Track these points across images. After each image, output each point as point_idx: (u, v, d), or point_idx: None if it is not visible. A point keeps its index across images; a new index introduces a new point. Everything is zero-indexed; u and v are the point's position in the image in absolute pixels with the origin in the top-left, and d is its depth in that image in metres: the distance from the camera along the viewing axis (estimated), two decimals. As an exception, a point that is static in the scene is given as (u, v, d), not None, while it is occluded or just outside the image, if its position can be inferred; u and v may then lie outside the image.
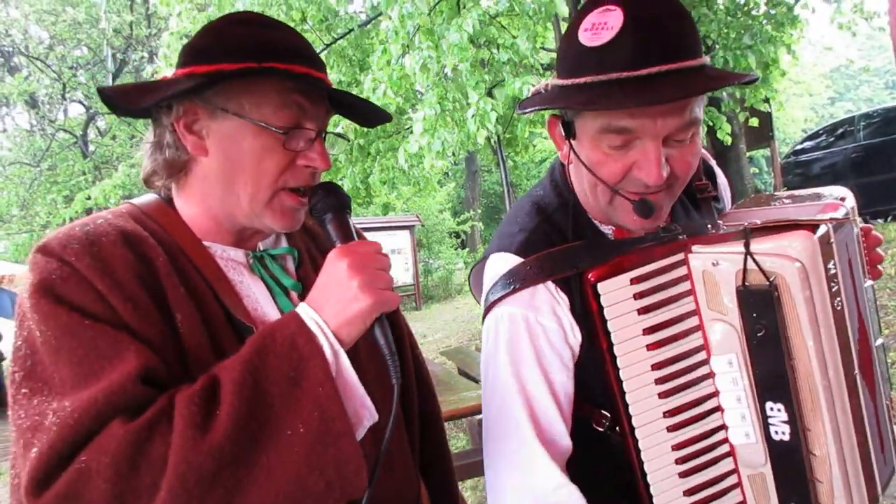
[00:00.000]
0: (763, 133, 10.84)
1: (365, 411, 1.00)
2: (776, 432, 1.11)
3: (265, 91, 1.06)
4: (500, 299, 1.21)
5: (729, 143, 8.56)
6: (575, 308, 1.19)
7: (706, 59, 1.08)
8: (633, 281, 1.13)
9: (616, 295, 1.13)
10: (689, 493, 1.17)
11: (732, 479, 1.18)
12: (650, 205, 1.12)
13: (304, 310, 0.98)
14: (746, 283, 1.06)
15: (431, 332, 13.02)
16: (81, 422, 0.84)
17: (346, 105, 1.19)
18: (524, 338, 1.19)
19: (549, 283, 1.19)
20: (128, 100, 1.09)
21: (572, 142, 1.17)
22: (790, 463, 1.11)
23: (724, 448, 1.18)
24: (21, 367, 0.91)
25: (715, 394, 1.16)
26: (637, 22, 1.04)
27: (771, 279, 1.03)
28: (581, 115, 1.14)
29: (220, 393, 0.88)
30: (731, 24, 8.34)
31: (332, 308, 0.97)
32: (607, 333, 1.13)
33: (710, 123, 8.31)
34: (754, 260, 1.04)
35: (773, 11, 8.43)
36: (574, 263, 1.18)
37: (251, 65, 1.03)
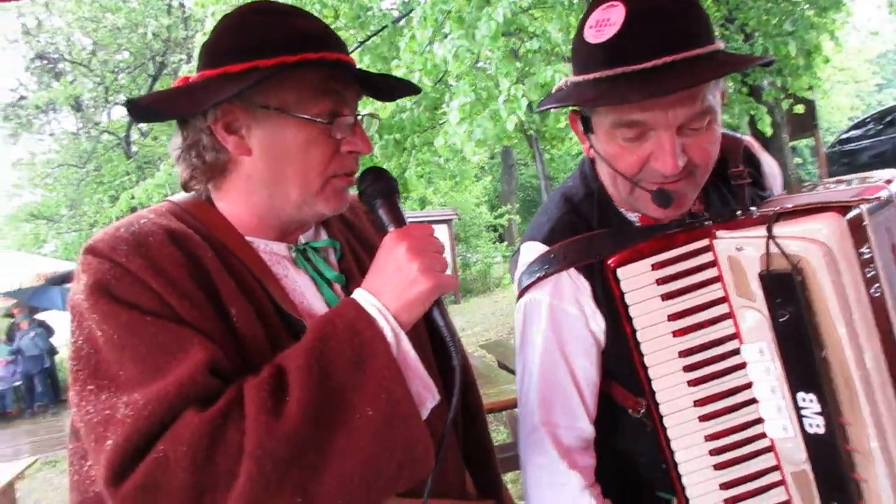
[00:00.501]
0: (806, 122, 10.53)
1: (428, 393, 1.01)
2: (810, 425, 1.07)
3: (302, 82, 1.05)
4: (528, 287, 1.25)
5: (770, 134, 8.33)
6: (597, 295, 1.21)
7: (718, 46, 1.08)
8: (655, 266, 1.12)
9: (637, 280, 1.12)
10: (726, 486, 1.15)
11: (775, 476, 1.15)
12: (668, 194, 1.12)
13: (361, 295, 0.99)
14: (769, 268, 1.03)
15: (470, 325, 13.03)
16: (155, 413, 0.86)
17: (370, 84, 1.18)
18: (548, 324, 1.23)
19: (572, 271, 1.21)
20: (172, 110, 1.08)
21: (591, 136, 1.19)
22: (828, 459, 1.07)
23: (764, 442, 1.14)
24: (85, 366, 0.92)
25: (749, 384, 1.13)
26: (638, 15, 1.05)
27: (795, 263, 1.00)
28: (595, 111, 1.16)
29: (288, 380, 0.89)
30: (771, 11, 8.11)
31: (392, 292, 0.98)
32: (630, 319, 1.13)
33: (751, 113, 8.11)
34: (776, 243, 1.01)
35: (815, -3, 8.16)
36: (597, 251, 1.19)
37: (287, 58, 1.01)
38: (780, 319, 1.04)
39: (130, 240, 0.98)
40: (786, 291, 1.02)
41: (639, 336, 1.13)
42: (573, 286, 1.22)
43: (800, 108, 8.66)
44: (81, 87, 19.10)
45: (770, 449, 1.15)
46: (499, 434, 6.16)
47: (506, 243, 22.43)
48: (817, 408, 1.05)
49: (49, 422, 11.13)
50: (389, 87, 1.22)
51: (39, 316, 12.76)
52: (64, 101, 19.23)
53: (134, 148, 19.89)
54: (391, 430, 0.90)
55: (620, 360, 1.21)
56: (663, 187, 1.12)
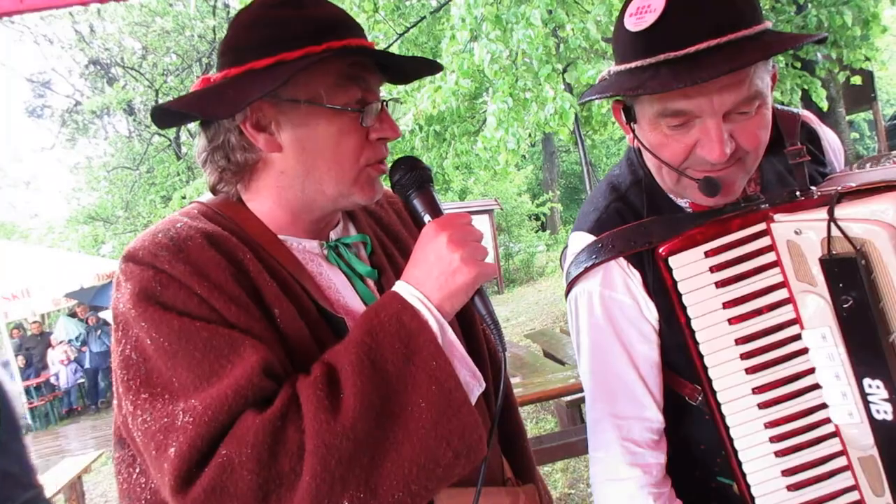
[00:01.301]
0: (864, 95, 10.09)
1: (475, 380, 1.02)
2: (878, 411, 1.03)
3: (329, 72, 1.03)
4: (577, 278, 1.24)
5: (826, 108, 8.02)
6: (648, 283, 1.19)
7: (766, 25, 1.03)
8: (708, 254, 1.10)
9: (690, 269, 1.10)
10: (789, 473, 1.12)
11: (840, 462, 1.12)
12: (715, 182, 1.08)
13: (403, 287, 0.99)
14: (832, 252, 0.99)
15: (515, 315, 13.01)
16: (216, 417, 0.86)
17: (391, 67, 1.16)
18: (601, 314, 1.21)
19: (621, 260, 1.20)
20: (208, 112, 1.05)
21: (634, 126, 1.16)
22: None
23: (828, 428, 1.11)
24: (136, 374, 0.92)
25: (811, 370, 1.10)
26: (679, 1, 1.01)
27: (858, 247, 0.96)
28: (639, 100, 1.13)
29: (341, 377, 0.90)
30: (823, -20, 7.79)
31: (434, 282, 0.98)
32: (684, 308, 1.11)
33: (804, 88, 7.82)
34: (838, 226, 0.97)
35: (872, -40, 7.80)
36: (647, 239, 1.17)
37: (312, 48, 1.00)
38: (844, 305, 1.00)
39: (171, 245, 0.97)
40: (849, 277, 0.98)
41: (693, 325, 1.11)
42: (623, 275, 1.20)
43: (857, 80, 8.30)
44: (133, 91, 19.70)
45: (835, 434, 1.12)
46: (546, 423, 6.15)
47: (548, 232, 22.26)
48: (885, 394, 1.01)
49: (113, 417, 11.60)
50: (408, 70, 1.20)
51: (100, 315, 13.27)
52: (117, 105, 19.87)
53: (183, 149, 20.44)
54: (445, 419, 0.90)
55: (676, 349, 1.19)
56: (710, 175, 1.08)
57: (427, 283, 0.98)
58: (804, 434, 1.12)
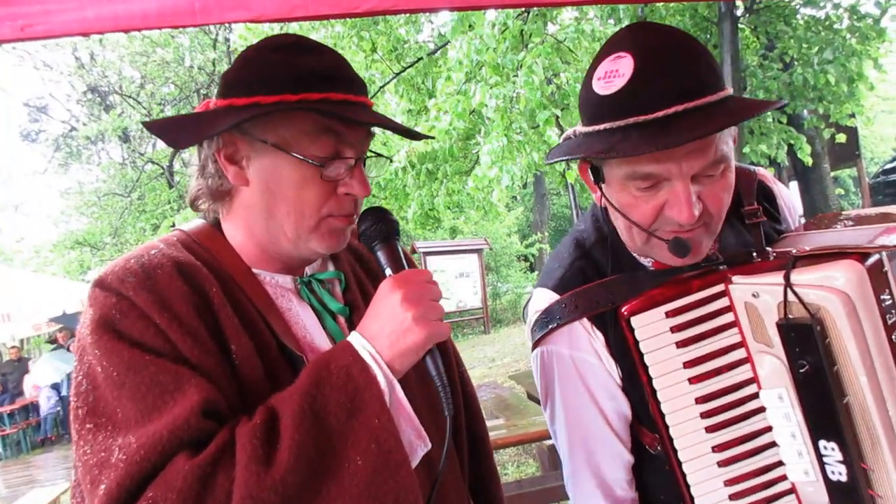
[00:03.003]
0: (849, 151, 10.32)
1: (419, 441, 1.01)
2: (832, 472, 1.05)
3: (302, 122, 1.05)
4: (542, 338, 1.25)
5: (811, 163, 8.18)
6: (611, 344, 1.20)
7: (728, 91, 1.06)
8: (669, 314, 1.12)
9: (651, 328, 1.11)
10: None
11: None
12: (684, 243, 1.09)
13: (356, 339, 0.99)
14: (788, 317, 1.01)
15: (500, 355, 12.92)
16: (147, 458, 0.85)
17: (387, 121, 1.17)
18: (572, 373, 1.23)
19: (584, 321, 1.21)
20: (173, 138, 1.10)
21: (602, 186, 1.17)
22: None
23: (786, 485, 1.13)
24: (84, 403, 0.92)
25: (769, 428, 1.12)
26: (647, 66, 1.03)
27: (813, 313, 0.99)
28: (607, 162, 1.14)
29: (280, 426, 0.89)
30: (811, 40, 8.05)
31: (385, 339, 0.98)
32: (646, 367, 1.13)
33: (790, 143, 7.99)
34: (794, 292, 0.99)
35: (857, 24, 8.08)
36: (610, 298, 1.18)
37: (287, 97, 1.02)
38: (801, 370, 1.02)
39: (139, 272, 0.98)
40: (805, 342, 1.00)
41: (655, 384, 1.13)
42: (587, 336, 1.21)
43: (841, 137, 8.49)
44: (129, 119, 19.80)
45: (792, 491, 1.13)
46: (528, 467, 6.07)
47: (536, 272, 22.28)
48: (839, 456, 1.03)
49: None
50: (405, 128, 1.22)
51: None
52: (112, 133, 19.93)
53: (176, 178, 20.48)
54: (381, 479, 0.90)
55: (637, 404, 1.21)
56: (679, 237, 1.10)
57: (379, 340, 0.98)
58: (763, 491, 1.13)
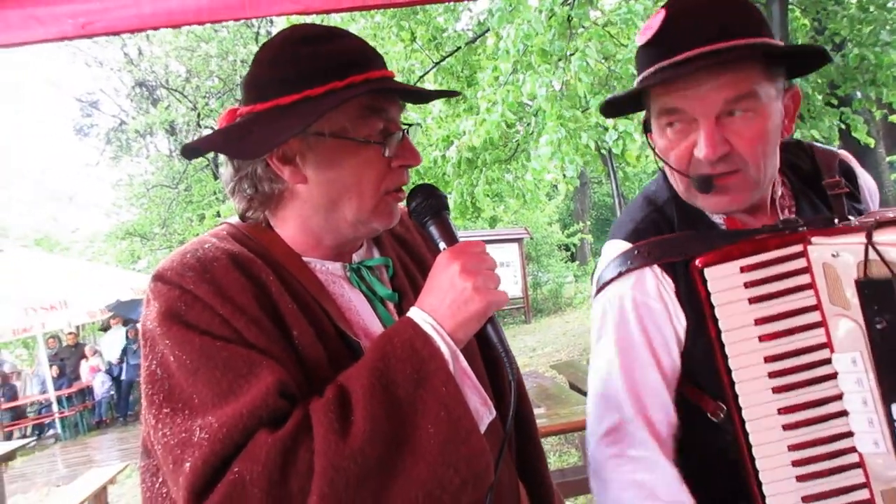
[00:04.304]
0: (905, 135, 9.91)
1: (485, 408, 1.03)
2: (906, 439, 1.03)
3: (352, 105, 1.06)
4: (609, 281, 1.26)
5: (871, 144, 7.90)
6: (680, 293, 1.21)
7: (766, 39, 1.11)
8: (744, 269, 1.11)
9: (725, 282, 1.11)
10: (808, 500, 1.11)
11: (863, 494, 1.10)
12: (708, 179, 1.15)
13: (417, 314, 1.01)
14: (868, 275, 1.00)
15: (541, 345, 12.90)
16: (230, 435, 0.88)
17: (412, 93, 1.18)
18: (632, 316, 1.23)
19: (656, 267, 1.22)
20: (239, 149, 1.06)
21: (649, 137, 1.25)
22: None
23: (852, 457, 1.10)
24: (160, 390, 0.95)
25: (839, 396, 1.10)
26: (674, 15, 1.14)
27: (894, 269, 0.97)
28: (650, 110, 1.24)
29: (352, 400, 0.91)
30: (863, 20, 7.75)
31: (447, 310, 0.99)
32: (715, 320, 1.12)
33: (846, 124, 7.72)
34: (876, 249, 0.98)
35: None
36: (683, 250, 1.20)
37: (335, 84, 1.02)
38: (877, 327, 1.01)
39: (197, 266, 1.01)
40: (884, 299, 0.99)
41: (724, 338, 1.12)
42: (656, 281, 1.22)
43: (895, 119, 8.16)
44: (175, 112, 20.28)
45: (859, 465, 1.10)
46: (570, 457, 6.05)
47: (577, 262, 22.11)
48: (913, 420, 1.01)
49: (140, 429, 11.73)
50: (427, 94, 1.21)
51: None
52: (160, 126, 20.47)
53: (220, 169, 20.92)
54: (453, 445, 0.91)
55: (701, 363, 1.20)
56: (704, 174, 1.16)
57: (440, 311, 1.00)
58: (827, 461, 1.11)
